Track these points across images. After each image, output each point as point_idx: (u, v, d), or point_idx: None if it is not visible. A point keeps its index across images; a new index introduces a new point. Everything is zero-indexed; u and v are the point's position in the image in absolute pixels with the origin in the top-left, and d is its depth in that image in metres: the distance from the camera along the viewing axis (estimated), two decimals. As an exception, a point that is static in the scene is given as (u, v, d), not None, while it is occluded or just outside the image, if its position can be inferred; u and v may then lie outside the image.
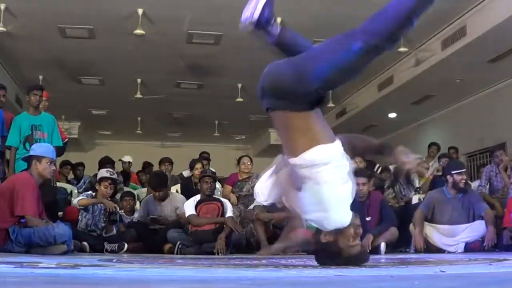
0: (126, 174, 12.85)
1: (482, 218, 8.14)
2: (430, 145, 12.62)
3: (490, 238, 7.83)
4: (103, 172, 9.16)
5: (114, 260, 5.12)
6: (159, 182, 9.40)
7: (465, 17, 10.73)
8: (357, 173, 8.88)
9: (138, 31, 10.54)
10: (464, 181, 8.29)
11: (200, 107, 16.80)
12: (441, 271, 2.97)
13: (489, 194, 9.76)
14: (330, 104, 15.75)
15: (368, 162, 10.61)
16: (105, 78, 14.37)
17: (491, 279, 2.58)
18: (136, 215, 9.77)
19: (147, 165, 13.88)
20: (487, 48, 10.78)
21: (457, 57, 11.10)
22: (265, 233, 8.50)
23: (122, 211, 9.66)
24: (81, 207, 8.75)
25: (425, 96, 14.29)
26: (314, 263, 3.92)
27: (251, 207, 8.93)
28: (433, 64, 11.74)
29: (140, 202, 10.34)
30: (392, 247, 8.45)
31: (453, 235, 8.18)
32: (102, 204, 8.70)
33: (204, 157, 12.27)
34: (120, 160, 13.47)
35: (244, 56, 12.59)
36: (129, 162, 13.61)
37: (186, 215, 8.83)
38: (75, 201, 9.23)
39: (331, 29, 10.92)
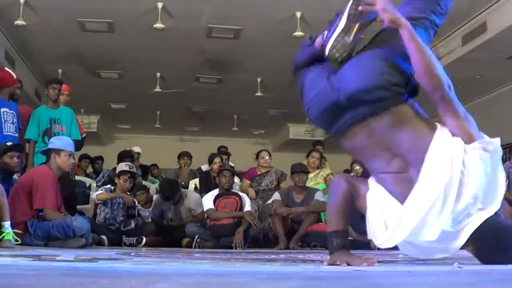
0: (144, 168, 12.86)
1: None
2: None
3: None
4: (122, 166, 9.18)
5: (132, 254, 5.13)
6: (170, 192, 9.36)
7: (485, 13, 10.66)
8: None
9: (158, 25, 10.55)
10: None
11: (219, 102, 16.79)
12: (459, 267, 2.94)
13: (507, 191, 9.66)
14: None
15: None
16: (124, 72, 14.39)
17: (509, 276, 2.56)
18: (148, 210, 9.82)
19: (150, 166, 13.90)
20: (507, 45, 10.70)
21: (476, 53, 11.03)
22: (283, 227, 8.50)
23: (139, 205, 9.69)
24: (99, 201, 8.78)
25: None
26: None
27: (270, 201, 8.92)
28: (452, 60, 11.66)
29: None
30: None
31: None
32: (121, 198, 8.73)
33: (223, 151, 12.28)
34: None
35: (264, 50, 12.58)
36: (138, 153, 13.56)
37: (205, 209, 8.85)
38: (94, 195, 9.28)
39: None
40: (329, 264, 3.14)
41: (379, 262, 3.23)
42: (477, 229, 2.95)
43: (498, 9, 10.30)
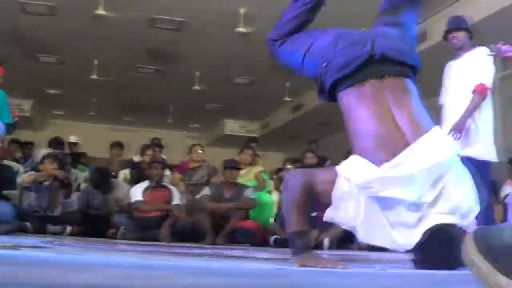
0: (75, 156, 12.61)
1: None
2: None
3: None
4: (44, 151, 9.04)
5: (56, 243, 5.06)
6: (100, 180, 9.26)
7: (426, 23, 10.84)
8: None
9: (100, 12, 10.42)
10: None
11: (156, 93, 16.69)
12: (381, 269, 2.99)
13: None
14: (286, 98, 15.81)
15: (319, 157, 10.66)
16: (63, 57, 14.13)
17: (428, 279, 2.60)
18: (74, 197, 9.64)
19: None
20: (448, 53, 10.89)
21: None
22: (211, 222, 8.49)
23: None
24: (27, 184, 8.63)
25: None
26: (258, 254, 3.91)
27: (199, 196, 8.92)
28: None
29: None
30: (336, 244, 8.50)
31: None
32: (47, 182, 8.58)
33: (156, 143, 12.20)
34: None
35: (205, 44, 12.55)
36: (75, 143, 13.34)
37: (133, 201, 8.79)
38: (19, 179, 9.06)
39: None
40: (300, 266, 2.98)
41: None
42: (433, 229, 2.93)
43: (439, 18, 10.49)
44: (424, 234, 2.90)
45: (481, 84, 5.91)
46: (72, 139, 13.29)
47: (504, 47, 5.63)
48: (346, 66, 3.28)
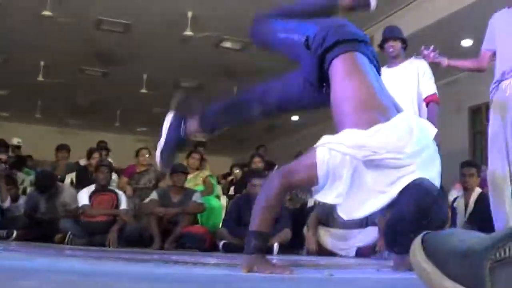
0: (20, 159, 12.43)
1: (375, 224, 8.31)
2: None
3: (382, 244, 8.00)
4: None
5: (1, 248, 4.98)
6: (45, 184, 9.13)
7: (372, 29, 10.99)
8: (254, 174, 8.98)
9: (46, 13, 10.30)
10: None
11: (103, 96, 16.59)
12: (330, 274, 3.00)
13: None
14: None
15: (267, 162, 10.70)
16: (9, 57, 13.94)
17: (376, 285, 2.63)
18: (21, 201, 9.51)
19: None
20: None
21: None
22: (159, 227, 8.44)
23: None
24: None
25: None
26: (206, 260, 3.90)
27: (147, 200, 8.86)
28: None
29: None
30: (286, 249, 8.52)
31: (346, 239, 8.33)
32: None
33: (102, 146, 12.10)
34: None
35: (152, 47, 12.52)
36: (18, 146, 13.16)
37: (79, 205, 8.69)
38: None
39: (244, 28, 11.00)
40: (247, 272, 2.89)
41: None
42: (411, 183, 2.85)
43: (384, 26, 10.63)
44: (403, 189, 2.84)
45: (434, 93, 6.14)
46: (15, 141, 13.12)
47: (426, 52, 5.77)
48: (352, 35, 3.49)
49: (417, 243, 1.51)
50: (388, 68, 6.26)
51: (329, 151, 2.95)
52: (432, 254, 1.46)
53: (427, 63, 6.13)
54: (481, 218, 7.03)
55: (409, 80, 6.21)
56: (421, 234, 1.54)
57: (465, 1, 9.12)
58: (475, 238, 1.43)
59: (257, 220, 3.05)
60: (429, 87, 6.22)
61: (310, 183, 3.02)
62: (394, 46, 6.30)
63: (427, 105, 6.19)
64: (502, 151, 5.23)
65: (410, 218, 2.72)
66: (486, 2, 7.76)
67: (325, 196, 3.01)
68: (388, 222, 2.88)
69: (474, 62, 5.72)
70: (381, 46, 6.40)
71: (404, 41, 6.38)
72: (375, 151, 2.83)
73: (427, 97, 6.19)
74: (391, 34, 6.40)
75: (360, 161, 2.88)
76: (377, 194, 2.88)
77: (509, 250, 1.25)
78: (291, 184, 3.10)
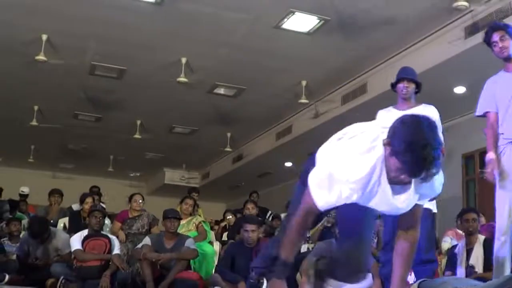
0: (13, 203, 12.41)
1: (369, 271, 8.27)
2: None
3: (376, 290, 7.96)
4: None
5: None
6: (38, 230, 9.07)
7: (366, 75, 11.09)
8: (247, 219, 8.94)
9: (40, 57, 10.35)
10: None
11: (97, 141, 16.59)
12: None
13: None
14: (227, 149, 15.85)
15: (260, 208, 10.69)
16: (2, 101, 13.96)
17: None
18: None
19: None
20: (386, 106, 11.09)
21: (355, 112, 11.31)
22: (152, 273, 8.38)
23: (7, 238, 9.39)
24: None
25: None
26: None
27: (139, 245, 8.81)
28: (331, 117, 11.99)
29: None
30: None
31: (339, 285, 8.25)
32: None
33: (94, 191, 12.07)
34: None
35: (146, 93, 12.58)
36: (26, 194, 13.22)
37: (72, 250, 8.63)
38: None
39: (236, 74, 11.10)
40: None
41: None
42: None
43: (379, 72, 10.74)
44: None
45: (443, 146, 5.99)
46: (25, 190, 13.18)
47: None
48: None
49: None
50: (397, 110, 6.14)
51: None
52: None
53: (437, 113, 5.99)
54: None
55: None
56: (418, 282, 1.55)
57: (457, 49, 9.20)
58: (471, 286, 1.44)
59: (287, 248, 3.21)
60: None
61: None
62: (407, 87, 6.11)
63: None
64: None
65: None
66: (478, 50, 7.80)
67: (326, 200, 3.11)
68: None
69: (490, 132, 5.49)
70: (394, 85, 6.27)
71: (418, 85, 6.24)
72: None
73: None
74: (406, 74, 6.24)
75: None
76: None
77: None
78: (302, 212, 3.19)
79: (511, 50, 5.25)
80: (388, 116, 5.61)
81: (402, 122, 2.92)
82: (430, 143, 2.78)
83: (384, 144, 2.94)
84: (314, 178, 3.13)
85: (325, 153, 3.32)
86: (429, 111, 5.88)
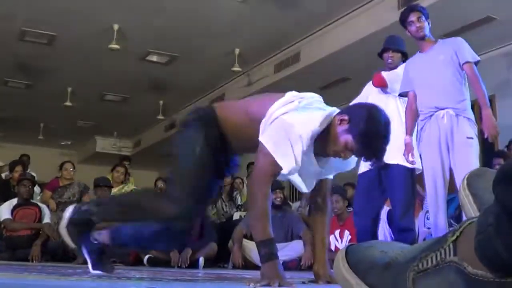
0: None
1: (300, 238, 8.39)
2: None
3: (307, 257, 8.06)
4: None
5: None
6: None
7: (300, 44, 11.13)
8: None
9: (-33, 23, 10.11)
10: (279, 199, 8.54)
11: (27, 108, 16.28)
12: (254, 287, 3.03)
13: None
14: (160, 117, 15.75)
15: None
16: None
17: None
18: None
19: None
20: (319, 75, 11.18)
21: (289, 81, 11.32)
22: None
23: None
24: None
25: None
26: (130, 274, 3.86)
27: (71, 214, 8.74)
28: (265, 86, 12.02)
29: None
30: (211, 263, 8.52)
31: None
32: None
33: (24, 159, 11.90)
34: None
35: (77, 60, 12.38)
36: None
37: (1, 219, 8.52)
38: None
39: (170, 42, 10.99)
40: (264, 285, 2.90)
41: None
42: None
43: (312, 41, 10.79)
44: None
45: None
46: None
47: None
48: None
49: (340, 254, 1.54)
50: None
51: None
52: (355, 265, 1.48)
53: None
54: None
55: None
56: (345, 246, 1.56)
57: (390, 19, 9.28)
58: (398, 249, 1.46)
59: (259, 231, 3.14)
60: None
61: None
62: (392, 57, 6.14)
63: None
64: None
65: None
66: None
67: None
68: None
69: (409, 115, 5.58)
70: (380, 54, 6.29)
71: (404, 54, 6.23)
72: None
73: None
74: (389, 45, 6.25)
75: None
76: None
77: (431, 261, 1.28)
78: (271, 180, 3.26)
79: (427, 31, 5.53)
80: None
81: (368, 109, 3.27)
82: (387, 137, 3.17)
83: (340, 120, 3.18)
84: (271, 143, 3.19)
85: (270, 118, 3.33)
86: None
